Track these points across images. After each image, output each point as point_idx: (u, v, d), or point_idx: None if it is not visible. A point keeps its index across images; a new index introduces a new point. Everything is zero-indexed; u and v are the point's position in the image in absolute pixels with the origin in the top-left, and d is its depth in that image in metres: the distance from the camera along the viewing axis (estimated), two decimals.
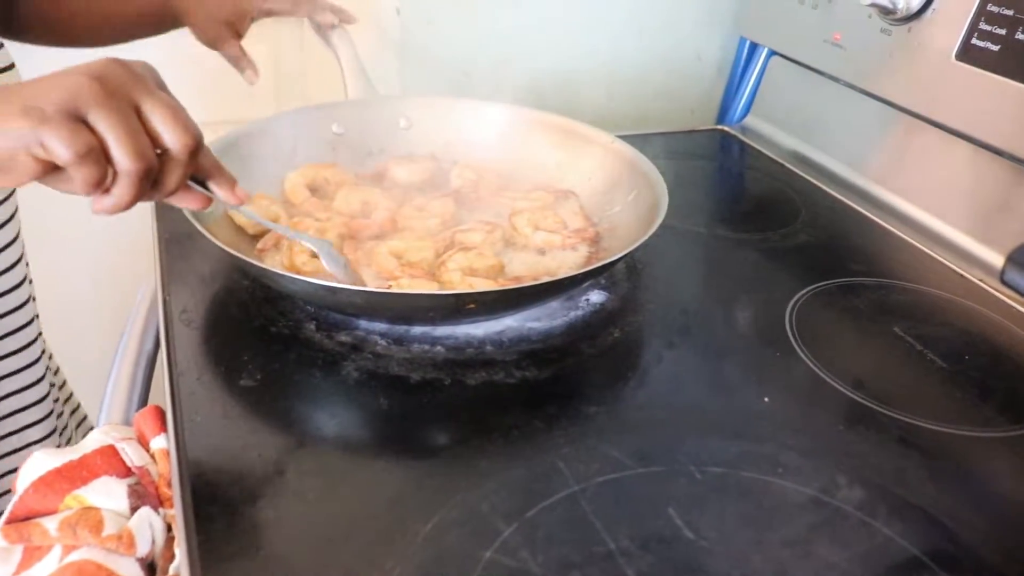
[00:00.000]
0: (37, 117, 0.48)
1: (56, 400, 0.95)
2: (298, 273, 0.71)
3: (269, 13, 0.97)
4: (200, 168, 0.57)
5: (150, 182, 0.52)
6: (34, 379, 0.89)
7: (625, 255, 0.68)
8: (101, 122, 0.49)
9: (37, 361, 0.90)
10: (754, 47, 1.21)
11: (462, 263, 0.72)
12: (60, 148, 0.48)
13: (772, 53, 1.18)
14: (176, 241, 0.81)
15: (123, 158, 0.50)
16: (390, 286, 0.69)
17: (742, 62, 1.23)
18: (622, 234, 0.78)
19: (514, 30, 1.12)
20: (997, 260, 0.84)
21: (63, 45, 0.95)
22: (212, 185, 0.58)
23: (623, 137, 0.88)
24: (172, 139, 0.52)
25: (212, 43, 0.96)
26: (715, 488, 0.55)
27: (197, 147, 0.53)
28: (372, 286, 0.71)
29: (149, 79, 0.53)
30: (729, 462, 0.57)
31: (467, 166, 0.90)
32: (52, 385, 0.94)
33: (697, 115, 1.26)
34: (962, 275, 0.84)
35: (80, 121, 0.49)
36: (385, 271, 0.72)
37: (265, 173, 0.84)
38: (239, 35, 0.95)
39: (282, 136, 0.88)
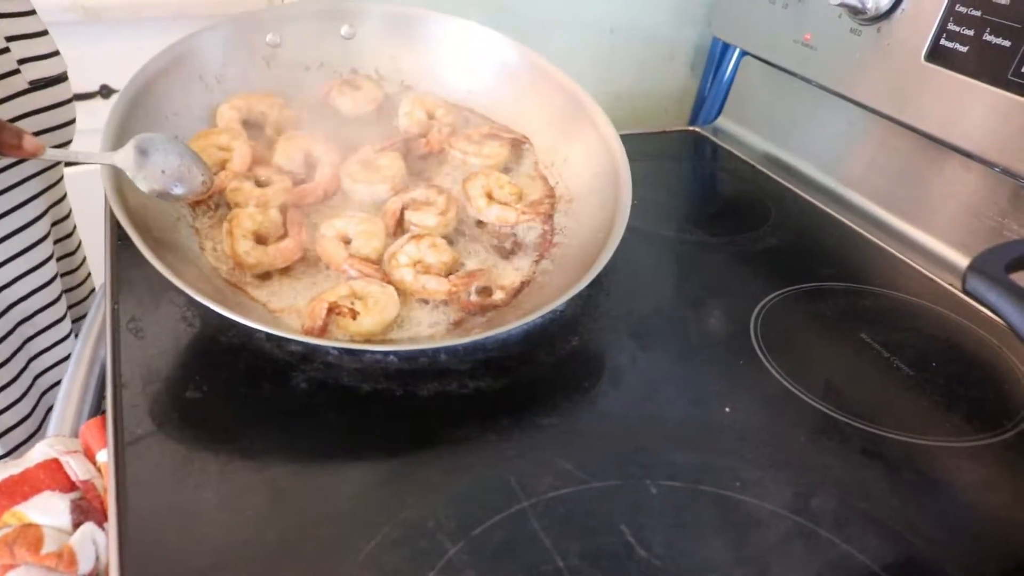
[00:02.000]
0: None
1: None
2: (239, 262, 0.69)
3: None
4: None
5: None
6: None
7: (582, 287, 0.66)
8: None
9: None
10: (727, 47, 1.20)
11: (414, 255, 0.70)
12: None
13: (744, 53, 1.16)
14: (128, 247, 0.79)
15: None
16: (346, 311, 0.66)
17: (715, 62, 1.21)
18: (582, 212, 0.76)
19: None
20: (967, 264, 0.83)
21: None
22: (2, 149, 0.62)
23: None
24: None
25: None
26: (670, 503, 0.53)
27: None
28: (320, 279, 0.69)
29: None
30: (686, 476, 0.55)
31: (420, 101, 0.84)
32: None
33: (671, 115, 1.25)
34: (931, 279, 0.83)
35: None
36: (333, 262, 0.70)
37: (193, 105, 0.78)
38: None
39: (210, 54, 0.80)
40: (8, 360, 0.86)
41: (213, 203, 0.74)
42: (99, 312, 0.83)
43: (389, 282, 0.69)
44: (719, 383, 0.65)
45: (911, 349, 0.71)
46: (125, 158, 0.67)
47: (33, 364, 0.91)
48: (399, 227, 0.75)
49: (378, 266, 0.71)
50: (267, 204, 0.73)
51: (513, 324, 0.63)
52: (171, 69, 0.77)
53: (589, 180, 0.79)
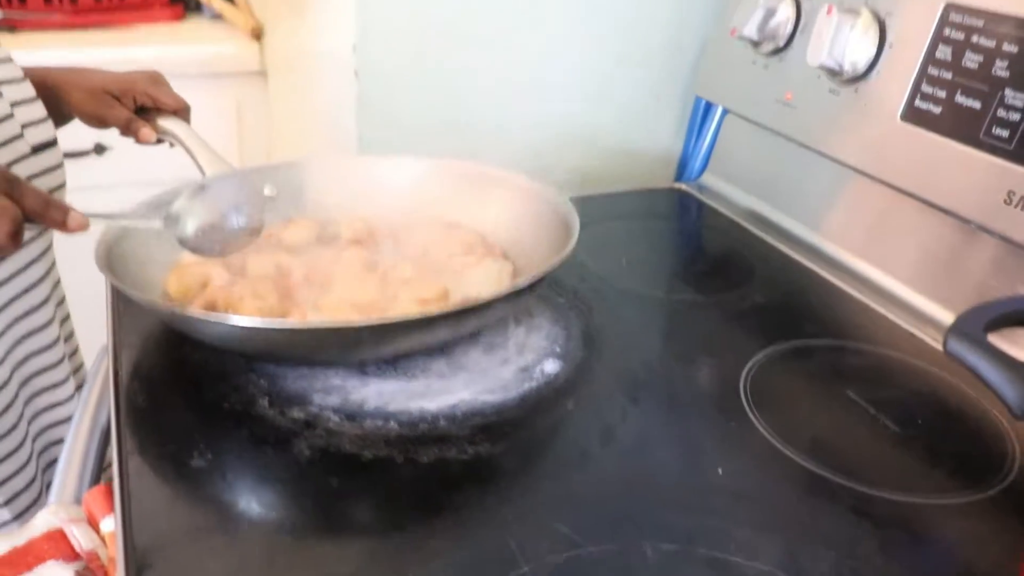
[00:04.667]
0: None
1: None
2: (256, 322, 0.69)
3: (156, 103, 0.96)
4: (32, 215, 0.62)
5: None
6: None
7: (564, 257, 0.71)
8: None
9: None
10: (710, 105, 1.23)
11: (411, 295, 0.73)
12: None
13: (727, 112, 1.20)
14: (130, 313, 0.80)
15: None
16: None
17: (699, 120, 1.25)
18: (531, 242, 0.83)
19: (473, 93, 1.13)
20: (949, 319, 0.85)
21: None
22: (48, 226, 0.64)
23: (578, 198, 0.88)
24: None
25: (97, 116, 0.95)
26: (668, 567, 0.54)
27: (15, 230, 0.59)
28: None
29: None
30: (682, 538, 0.57)
31: (354, 217, 0.90)
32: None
33: (656, 173, 1.28)
34: (914, 334, 0.85)
35: None
36: (342, 317, 0.72)
37: (153, 259, 0.81)
38: (125, 107, 0.95)
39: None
40: (15, 425, 0.87)
41: None
42: (98, 377, 0.84)
43: None
44: (711, 444, 0.67)
45: (897, 406, 0.73)
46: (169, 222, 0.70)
47: (35, 422, 0.92)
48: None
49: (381, 309, 0.74)
50: (262, 295, 0.75)
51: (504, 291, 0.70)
52: (122, 243, 0.79)
53: (526, 221, 0.87)
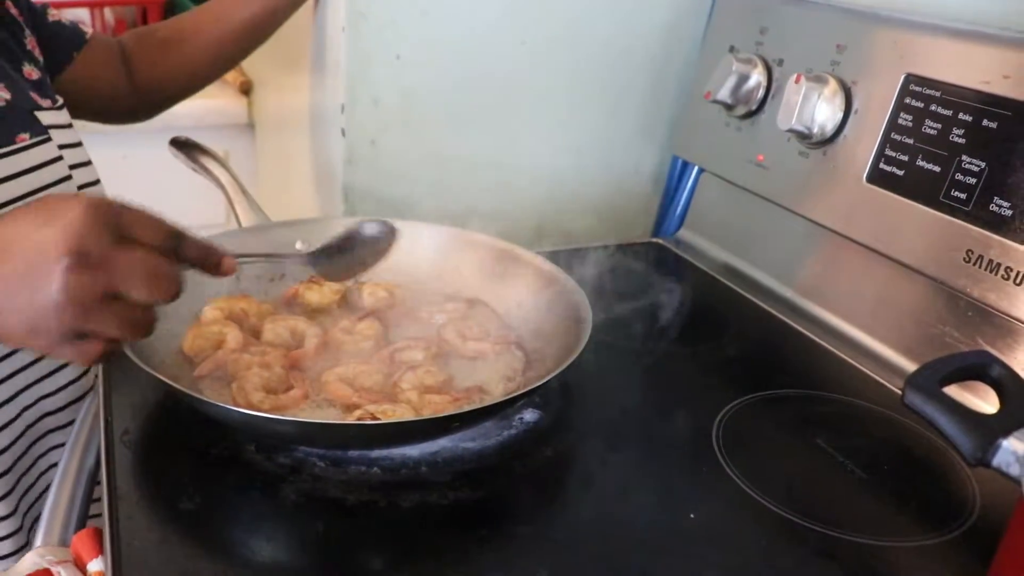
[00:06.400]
0: (46, 341, 0.58)
1: None
2: (256, 411, 0.71)
3: None
4: (192, 263, 0.62)
5: None
6: None
7: (561, 371, 0.71)
8: (98, 330, 0.58)
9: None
10: (686, 164, 1.28)
11: (414, 381, 0.75)
12: (75, 360, 0.65)
13: (703, 170, 1.24)
14: (121, 356, 0.82)
15: (126, 338, 0.61)
16: (372, 415, 0.70)
17: (675, 177, 1.29)
18: (547, 331, 0.84)
19: (456, 150, 1.17)
20: (913, 368, 0.88)
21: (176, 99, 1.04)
22: (203, 272, 0.64)
23: (560, 252, 0.92)
24: (157, 300, 0.59)
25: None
26: None
27: (178, 290, 0.60)
28: (334, 415, 0.73)
29: (116, 239, 0.56)
30: None
31: (376, 284, 0.92)
32: None
33: (635, 228, 1.32)
34: (881, 384, 0.88)
35: (82, 334, 0.58)
36: (343, 398, 0.74)
37: (176, 311, 0.81)
38: None
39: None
40: (9, 469, 0.89)
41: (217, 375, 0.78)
42: (87, 420, 0.86)
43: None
44: (684, 490, 0.70)
45: (864, 453, 0.76)
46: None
47: (34, 468, 0.94)
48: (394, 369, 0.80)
49: (381, 393, 0.75)
50: (269, 364, 0.76)
51: (507, 396, 0.71)
52: None
53: (544, 308, 0.88)
